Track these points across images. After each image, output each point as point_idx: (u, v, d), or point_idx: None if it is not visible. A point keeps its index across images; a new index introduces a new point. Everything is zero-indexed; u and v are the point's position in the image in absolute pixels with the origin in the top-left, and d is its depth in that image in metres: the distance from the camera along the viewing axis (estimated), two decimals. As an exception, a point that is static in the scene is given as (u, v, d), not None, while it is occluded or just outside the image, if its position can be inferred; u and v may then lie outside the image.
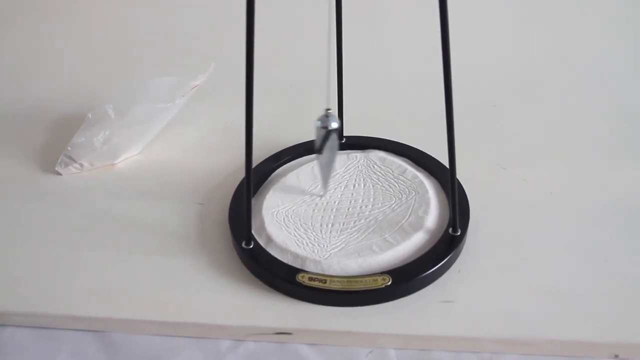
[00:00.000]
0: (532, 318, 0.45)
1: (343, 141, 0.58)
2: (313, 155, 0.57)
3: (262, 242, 0.49)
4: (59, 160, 0.58)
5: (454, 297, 0.46)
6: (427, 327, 0.44)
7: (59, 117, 0.64)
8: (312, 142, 0.58)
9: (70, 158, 0.57)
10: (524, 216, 0.52)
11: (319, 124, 0.46)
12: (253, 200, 0.53)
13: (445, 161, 0.54)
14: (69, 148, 0.58)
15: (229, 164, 0.58)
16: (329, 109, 0.47)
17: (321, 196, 0.52)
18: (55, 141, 0.61)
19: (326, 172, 0.50)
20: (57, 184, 0.57)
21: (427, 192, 0.53)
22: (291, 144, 0.58)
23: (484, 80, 0.68)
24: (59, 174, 0.58)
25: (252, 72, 0.43)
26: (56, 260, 0.50)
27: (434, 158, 0.56)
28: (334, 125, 0.46)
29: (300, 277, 0.46)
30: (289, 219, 0.51)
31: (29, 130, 0.63)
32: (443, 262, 0.47)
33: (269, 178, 0.55)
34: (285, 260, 0.48)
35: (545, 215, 0.52)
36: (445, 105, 0.46)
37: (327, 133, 0.46)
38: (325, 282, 0.46)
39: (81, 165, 0.58)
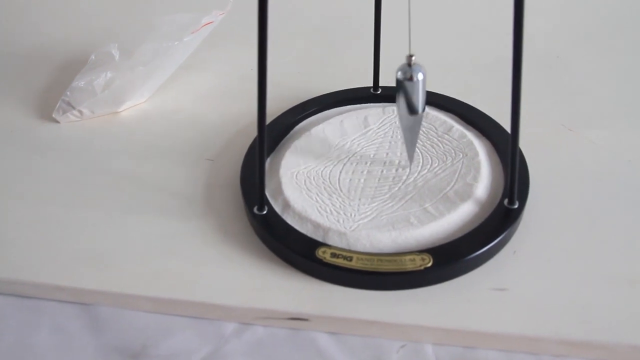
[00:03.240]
0: (609, 315, 0.35)
1: (379, 92, 0.48)
2: (342, 108, 0.47)
3: (277, 208, 0.40)
4: (57, 107, 0.49)
5: (508, 284, 0.37)
6: (473, 319, 0.35)
7: (62, 59, 0.55)
8: (342, 92, 0.49)
9: (69, 104, 0.49)
10: (596, 188, 0.42)
11: (399, 75, 0.37)
12: (270, 158, 0.44)
13: (499, 118, 0.45)
14: (68, 93, 0.49)
15: (246, 115, 0.48)
16: (411, 55, 0.37)
17: (406, 168, 0.41)
18: (56, 86, 0.52)
19: (408, 137, 0.40)
20: (53, 133, 0.48)
21: (477, 154, 0.42)
22: (319, 94, 0.48)
23: (545, 27, 0.56)
24: (57, 121, 0.49)
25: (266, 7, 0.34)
26: (44, 219, 0.42)
27: (485, 114, 0.46)
28: (419, 76, 0.37)
29: (320, 253, 0.37)
30: (311, 182, 0.41)
31: (29, 73, 0.54)
32: (496, 240, 0.37)
33: (291, 132, 0.46)
34: (304, 231, 0.38)
35: (623, 187, 0.42)
36: (513, 50, 0.36)
37: (407, 85, 0.37)
38: (350, 260, 0.37)
39: (80, 112, 0.49)
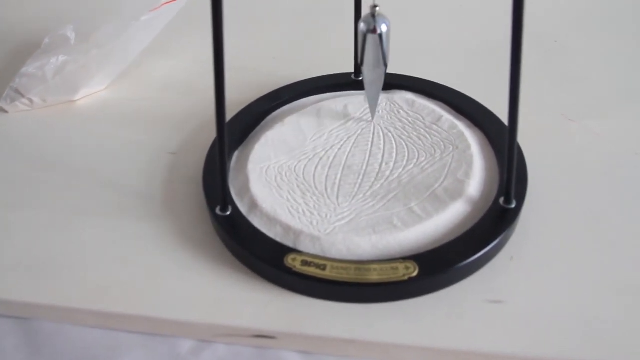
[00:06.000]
0: (619, 331, 0.30)
1: (360, 78, 0.42)
2: (320, 95, 0.42)
3: (243, 208, 0.34)
4: (4, 95, 0.43)
5: (505, 296, 0.31)
6: (464, 337, 0.30)
7: (14, 43, 0.49)
8: (320, 78, 0.43)
9: (18, 92, 0.43)
10: (601, 184, 0.37)
11: (362, 26, 0.36)
12: (238, 152, 0.39)
13: (493, 107, 0.39)
14: (17, 79, 0.43)
15: (214, 105, 0.43)
16: (375, 6, 0.35)
17: (369, 122, 0.39)
18: (6, 72, 0.46)
19: (371, 91, 0.38)
20: (0, 124, 0.43)
21: (469, 147, 0.37)
22: (296, 81, 0.43)
23: (541, 9, 0.51)
24: (5, 111, 0.43)
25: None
26: (-19, 221, 0.36)
27: (478, 103, 0.40)
28: (383, 27, 0.35)
29: (290, 260, 0.32)
30: (283, 178, 0.36)
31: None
32: (491, 245, 0.32)
33: (262, 123, 0.40)
34: (272, 235, 0.33)
35: (631, 182, 0.37)
36: (512, 28, 0.32)
37: (370, 38, 0.35)
38: (324, 269, 0.31)
39: (31, 101, 0.43)
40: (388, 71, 0.45)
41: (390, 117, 0.40)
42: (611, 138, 0.40)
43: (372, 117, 0.39)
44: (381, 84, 0.37)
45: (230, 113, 0.41)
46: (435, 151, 0.37)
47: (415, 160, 0.37)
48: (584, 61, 0.46)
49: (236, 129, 0.39)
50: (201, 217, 0.36)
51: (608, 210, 0.35)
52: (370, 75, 0.37)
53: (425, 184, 0.35)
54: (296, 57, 0.47)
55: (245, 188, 0.35)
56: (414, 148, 0.38)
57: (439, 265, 0.31)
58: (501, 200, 0.34)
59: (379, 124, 0.39)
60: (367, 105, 0.39)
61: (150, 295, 0.32)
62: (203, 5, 0.47)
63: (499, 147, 0.37)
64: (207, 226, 0.35)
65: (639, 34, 0.48)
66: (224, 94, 0.33)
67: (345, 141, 0.38)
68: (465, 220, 0.34)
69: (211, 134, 0.41)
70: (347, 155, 0.37)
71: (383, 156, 0.37)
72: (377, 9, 0.35)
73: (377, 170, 0.36)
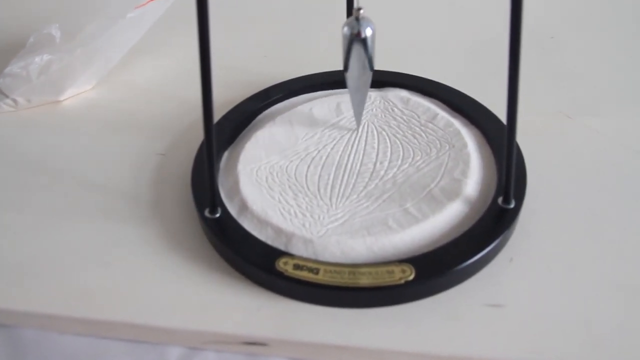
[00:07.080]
0: (624, 335, 0.28)
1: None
2: (312, 94, 0.41)
3: (233, 210, 0.33)
4: (-12, 95, 0.42)
5: (504, 299, 0.30)
6: (463, 342, 0.29)
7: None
8: (311, 76, 0.42)
9: (1, 92, 0.42)
10: (602, 183, 0.35)
11: (346, 30, 0.34)
12: (228, 152, 0.37)
13: (489, 104, 0.38)
14: (0, 80, 0.42)
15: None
16: (359, 8, 0.34)
17: (353, 130, 0.37)
18: (-10, 72, 0.45)
19: (357, 98, 0.36)
20: (-17, 125, 0.42)
21: (465, 145, 0.36)
22: (286, 79, 0.42)
23: (537, 4, 0.50)
24: (-12, 112, 0.42)
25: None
26: (-38, 225, 0.35)
27: (474, 100, 0.39)
28: (368, 31, 0.34)
29: (282, 264, 0.30)
30: (274, 178, 0.35)
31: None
32: (489, 247, 0.31)
33: (253, 122, 0.39)
34: (262, 238, 0.32)
35: (632, 181, 0.35)
36: (510, 22, 0.30)
37: (354, 42, 0.34)
38: (317, 273, 0.30)
39: (15, 101, 0.42)
40: (382, 69, 0.44)
41: (385, 116, 0.38)
42: (611, 136, 0.38)
43: (358, 124, 0.37)
44: (367, 89, 0.36)
45: (220, 112, 0.40)
46: (430, 150, 0.36)
47: (410, 160, 0.36)
48: (582, 58, 0.45)
49: (226, 129, 0.38)
50: (189, 220, 0.34)
51: (609, 210, 0.34)
52: (355, 81, 0.35)
53: (420, 183, 0.34)
54: (287, 56, 0.45)
55: (235, 189, 0.34)
56: (409, 147, 0.36)
57: (436, 268, 0.30)
58: (499, 200, 0.33)
59: (372, 123, 0.38)
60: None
61: (137, 301, 0.31)
62: (191, 3, 0.46)
63: (496, 145, 0.35)
64: (196, 229, 0.34)
65: (637, 30, 0.48)
66: (211, 94, 0.31)
67: (338, 140, 0.37)
68: (463, 221, 0.32)
69: (200, 134, 0.40)
70: (340, 155, 0.36)
71: (377, 155, 0.36)
72: (362, 11, 0.33)
73: (371, 169, 0.35)
